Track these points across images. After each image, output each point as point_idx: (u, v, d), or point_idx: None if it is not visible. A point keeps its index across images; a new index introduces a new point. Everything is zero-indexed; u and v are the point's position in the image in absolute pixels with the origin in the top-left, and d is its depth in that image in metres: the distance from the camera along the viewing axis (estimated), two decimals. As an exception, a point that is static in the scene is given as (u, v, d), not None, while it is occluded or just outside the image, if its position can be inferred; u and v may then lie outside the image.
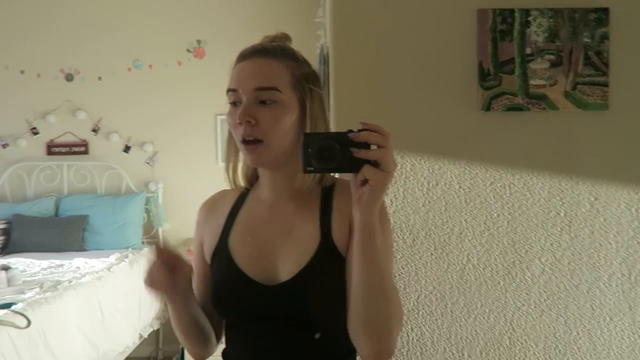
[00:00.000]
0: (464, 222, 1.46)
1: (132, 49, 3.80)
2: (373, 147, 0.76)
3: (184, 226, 3.76)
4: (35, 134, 3.81)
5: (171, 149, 3.81)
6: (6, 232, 3.49)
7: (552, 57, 1.47)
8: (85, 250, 3.43)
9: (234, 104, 0.92)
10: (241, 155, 0.96)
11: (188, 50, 3.82)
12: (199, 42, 3.83)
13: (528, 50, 1.47)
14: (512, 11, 1.46)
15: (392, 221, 1.40)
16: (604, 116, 1.47)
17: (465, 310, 1.46)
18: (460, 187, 1.47)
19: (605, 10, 1.47)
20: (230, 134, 0.98)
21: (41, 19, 3.80)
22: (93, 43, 3.79)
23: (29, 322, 2.01)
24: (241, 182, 1.03)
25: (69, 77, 3.83)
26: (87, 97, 3.80)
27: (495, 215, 1.47)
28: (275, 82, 0.91)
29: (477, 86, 1.47)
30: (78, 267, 2.95)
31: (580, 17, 1.47)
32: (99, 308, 2.59)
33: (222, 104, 3.39)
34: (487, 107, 1.47)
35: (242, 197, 1.03)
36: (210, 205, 1.06)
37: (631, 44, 1.47)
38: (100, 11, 3.79)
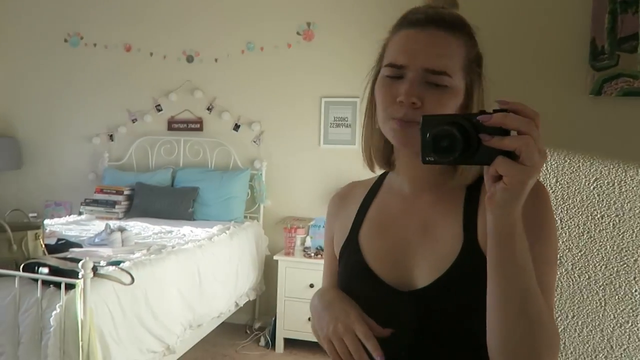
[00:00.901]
0: (558, 220, 1.30)
1: (246, 32, 3.96)
2: (514, 133, 0.61)
3: (285, 204, 3.88)
4: (159, 110, 4.17)
5: (277, 129, 3.92)
6: (130, 197, 3.89)
7: (689, 32, 1.22)
8: (194, 219, 3.70)
9: (393, 77, 0.80)
10: (381, 136, 0.85)
11: (298, 33, 3.88)
12: (309, 24, 3.86)
13: (657, 24, 1.24)
14: (639, -23, 1.24)
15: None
16: None
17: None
18: (557, 181, 1.30)
19: None
20: (370, 112, 0.87)
21: (166, 4, 4.12)
22: (212, 26, 4.02)
23: (133, 280, 2.21)
24: (378, 166, 0.91)
25: (190, 59, 4.11)
26: (204, 78, 4.06)
27: (599, 216, 1.27)
28: (447, 66, 0.78)
29: (587, 66, 1.28)
30: (184, 235, 3.19)
31: None
32: (198, 274, 2.77)
33: (327, 86, 3.43)
34: (598, 91, 1.27)
35: (374, 189, 0.93)
36: (341, 198, 0.98)
37: None
38: (219, -4, 4.00)
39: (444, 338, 0.78)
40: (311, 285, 3.27)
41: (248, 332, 3.71)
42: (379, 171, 0.93)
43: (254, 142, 3.97)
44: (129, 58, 4.23)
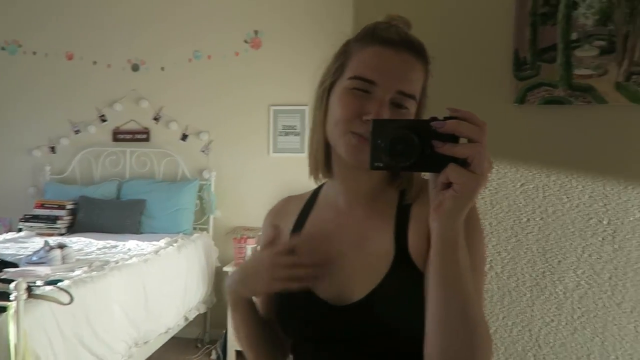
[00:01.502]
0: (488, 225, 1.34)
1: (194, 41, 3.91)
2: (463, 140, 0.61)
3: (235, 214, 3.83)
4: (104, 121, 4.05)
5: (225, 138, 3.88)
6: (73, 212, 3.74)
7: (602, 43, 1.30)
8: (140, 233, 3.59)
9: (360, 90, 0.78)
10: (322, 144, 0.84)
11: (245, 41, 3.87)
12: (256, 32, 3.86)
13: (574, 36, 1.30)
14: (556, -9, 1.30)
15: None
16: (663, 112, 1.27)
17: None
18: (487, 187, 1.34)
19: (671, -11, 1.26)
20: (317, 120, 0.85)
21: (111, 12, 4.01)
22: (158, 35, 3.95)
23: (72, 299, 2.12)
24: (320, 173, 0.89)
25: (135, 67, 4.01)
26: (150, 87, 3.97)
27: (525, 219, 1.32)
28: (415, 90, 0.79)
29: (511, 76, 1.33)
30: (129, 249, 3.09)
31: (638, -3, 1.28)
32: (143, 289, 2.69)
33: (276, 95, 3.42)
34: (522, 100, 1.32)
35: (309, 203, 0.93)
36: (276, 214, 0.97)
37: (701, 27, 1.25)
38: (164, 5, 3.93)
39: (380, 350, 0.78)
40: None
41: (199, 346, 3.63)
42: (321, 181, 0.92)
43: (203, 151, 3.91)
44: (71, 67, 4.09)
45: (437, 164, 0.61)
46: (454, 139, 0.61)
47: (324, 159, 0.86)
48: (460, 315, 0.67)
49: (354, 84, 0.78)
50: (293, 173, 3.57)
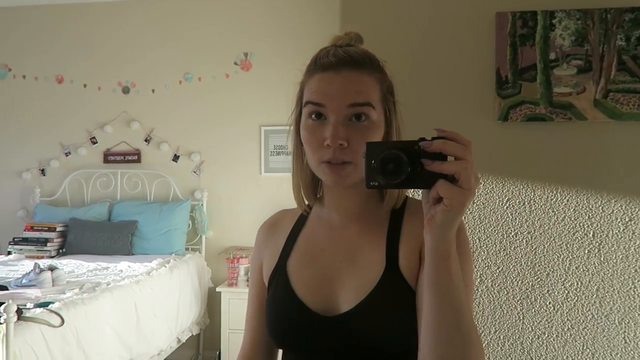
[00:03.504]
0: (477, 240, 1.36)
1: (184, 63, 3.95)
2: (450, 158, 0.65)
3: (227, 234, 3.83)
4: (94, 143, 4.05)
5: (217, 158, 3.90)
6: (64, 234, 3.72)
7: (579, 62, 1.35)
8: (132, 254, 3.58)
9: (315, 116, 0.82)
10: (308, 171, 0.88)
11: (235, 63, 3.92)
12: (246, 54, 3.91)
13: (552, 56, 1.36)
14: (534, 13, 1.36)
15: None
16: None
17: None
18: (474, 203, 1.37)
19: (644, 10, 1.32)
20: (298, 150, 0.89)
21: (101, 36, 4.05)
22: (148, 58, 3.98)
23: (63, 321, 2.10)
24: (306, 200, 0.93)
25: (126, 90, 4.04)
26: (141, 109, 3.99)
27: (513, 234, 1.35)
28: (369, 98, 0.82)
29: (494, 95, 1.37)
30: (121, 270, 3.08)
31: (613, 18, 1.34)
32: (135, 311, 2.67)
33: (267, 115, 3.43)
34: (505, 117, 1.37)
35: (303, 218, 0.95)
36: (270, 226, 0.98)
37: (674, 46, 1.31)
38: (154, 28, 3.98)
39: (369, 358, 0.79)
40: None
41: (192, 368, 3.59)
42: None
43: (194, 172, 3.93)
44: (61, 90, 4.11)
45: (428, 180, 0.65)
46: (442, 157, 0.65)
47: (309, 187, 0.91)
48: (454, 324, 0.69)
49: (308, 109, 0.82)
50: (285, 192, 3.50)
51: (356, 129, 0.80)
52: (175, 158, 3.94)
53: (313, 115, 0.82)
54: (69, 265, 3.19)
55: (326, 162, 0.80)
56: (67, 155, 4.08)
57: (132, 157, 4.00)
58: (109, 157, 4.03)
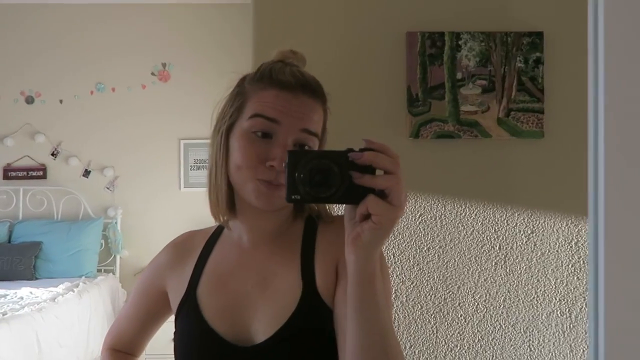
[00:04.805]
0: (392, 256, 1.37)
1: (96, 72, 3.73)
2: (378, 172, 0.60)
3: (144, 253, 3.62)
4: (-8, 157, 3.70)
5: (132, 173, 3.70)
6: (-46, 259, 3.34)
7: (484, 82, 1.41)
8: (36, 278, 3.28)
9: (261, 134, 0.77)
10: (224, 185, 0.81)
11: (153, 74, 3.76)
12: (164, 65, 3.77)
13: (459, 75, 1.41)
14: (442, 34, 1.41)
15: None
16: (539, 144, 1.40)
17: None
18: (388, 218, 1.38)
19: (539, 34, 1.41)
20: (218, 163, 0.82)
21: (1, 39, 3.73)
22: (55, 65, 3.72)
23: (-54, 361, 1.87)
24: (223, 216, 0.85)
25: (29, 100, 3.74)
26: (47, 121, 3.71)
27: (426, 248, 1.38)
28: (318, 129, 0.79)
29: (405, 112, 1.40)
30: (21, 298, 2.81)
31: (513, 41, 1.41)
32: (37, 342, 2.44)
33: (186, 128, 3.27)
34: (416, 134, 1.39)
35: (213, 239, 0.89)
36: (176, 248, 0.92)
37: (566, 69, 1.41)
38: (62, 32, 3.73)
39: None
40: (175, 339, 3.07)
41: (105, 399, 3.34)
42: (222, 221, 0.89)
43: (107, 188, 3.70)
44: (-47, 99, 3.72)
45: (356, 195, 0.60)
46: (370, 170, 0.60)
47: (226, 200, 0.83)
48: (381, 349, 0.66)
49: (256, 122, 0.77)
50: (206, 207, 3.45)
51: None
52: (86, 173, 3.70)
53: (259, 132, 0.76)
54: (-39, 293, 2.86)
55: (265, 181, 0.75)
56: (-41, 171, 3.70)
57: (37, 173, 3.69)
58: (9, 173, 3.70)
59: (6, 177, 3.69)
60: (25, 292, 2.91)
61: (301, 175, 0.61)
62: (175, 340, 0.84)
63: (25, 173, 3.69)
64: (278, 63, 0.82)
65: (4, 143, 3.68)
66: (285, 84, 0.78)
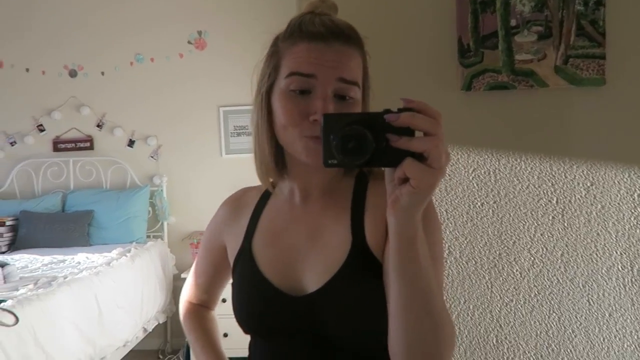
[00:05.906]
0: (444, 212, 1.35)
1: (134, 43, 3.76)
2: (418, 134, 0.58)
3: (190, 219, 3.73)
4: (42, 130, 3.84)
5: (175, 142, 3.77)
6: (14, 229, 3.53)
7: (540, 28, 1.34)
8: (90, 245, 3.44)
9: (299, 92, 0.76)
10: (273, 147, 0.81)
11: (189, 42, 3.76)
12: (200, 33, 3.76)
13: (513, 22, 1.34)
14: (494, -21, 1.33)
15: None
16: (600, 92, 1.33)
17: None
18: (440, 174, 1.35)
19: (601, -26, 1.32)
20: (262, 125, 0.81)
21: (42, 16, 3.80)
22: (95, 38, 3.78)
23: (17, 320, 1.99)
24: (271, 177, 0.87)
25: (73, 73, 3.83)
26: (90, 93, 3.80)
27: (479, 204, 1.35)
28: (357, 77, 0.77)
29: (456, 64, 1.35)
30: (79, 262, 2.95)
31: (571, -17, 1.32)
32: (96, 303, 2.57)
33: (225, 95, 3.31)
34: (468, 87, 1.35)
35: (266, 195, 0.91)
36: (232, 205, 0.95)
37: (630, 10, 1.32)
38: (100, 5, 3.76)
39: (339, 341, 0.77)
40: (223, 300, 3.17)
41: (161, 357, 3.52)
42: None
43: (152, 157, 3.79)
44: (1, 75, 3.85)
45: (393, 158, 0.58)
46: (409, 131, 0.57)
47: (274, 161, 0.84)
48: (423, 311, 0.65)
49: (293, 81, 0.76)
50: (247, 173, 3.45)
51: (342, 107, 0.75)
52: (131, 143, 3.79)
53: (297, 90, 0.75)
54: (22, 260, 3.03)
55: (314, 137, 0.74)
56: (12, 145, 3.86)
57: (84, 144, 3.81)
58: (58, 145, 3.83)
59: (56, 149, 3.83)
60: (81, 257, 3.06)
61: (334, 141, 0.59)
62: (233, 290, 0.87)
63: (73, 145, 3.82)
64: (307, 15, 0.80)
65: (52, 117, 3.80)
66: (316, 34, 0.76)
